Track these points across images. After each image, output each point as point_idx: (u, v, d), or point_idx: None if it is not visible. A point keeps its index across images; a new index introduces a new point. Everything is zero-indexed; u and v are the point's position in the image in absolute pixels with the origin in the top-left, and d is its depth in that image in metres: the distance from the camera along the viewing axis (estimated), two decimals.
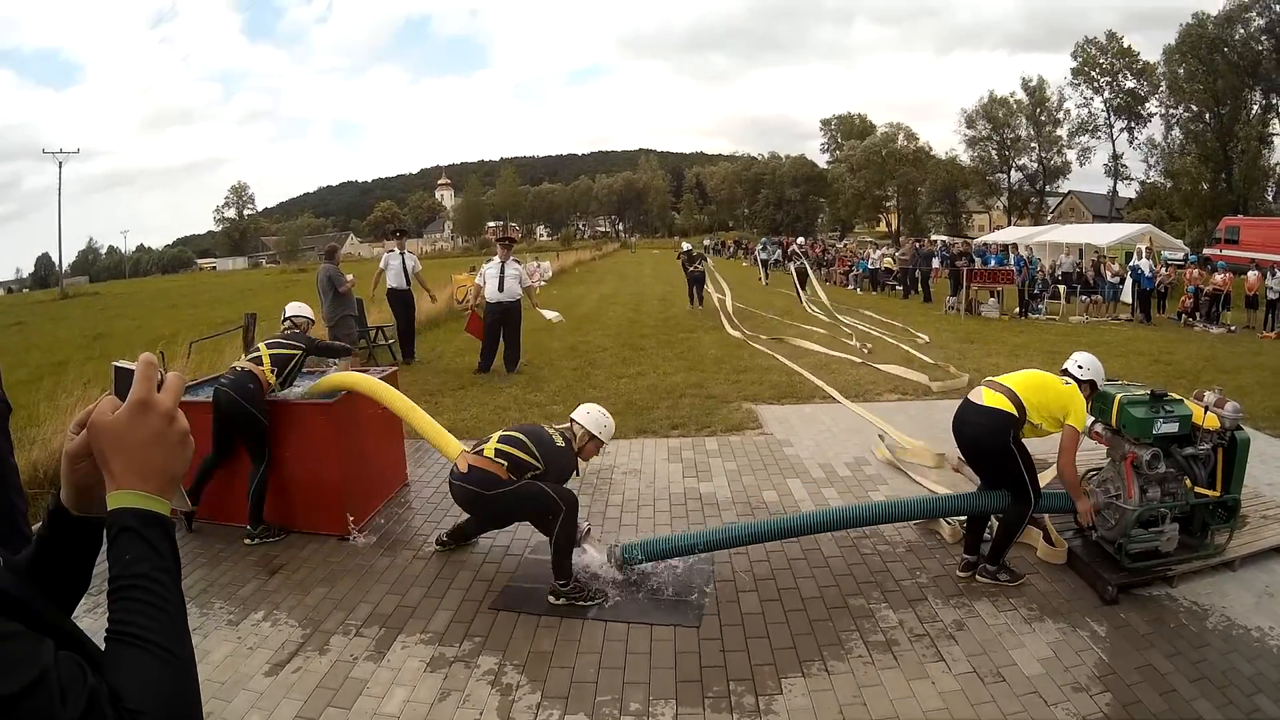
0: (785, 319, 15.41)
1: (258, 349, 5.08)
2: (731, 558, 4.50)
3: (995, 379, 4.26)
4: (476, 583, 4.31)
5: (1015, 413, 4.01)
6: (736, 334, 13.14)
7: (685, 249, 18.94)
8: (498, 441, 4.17)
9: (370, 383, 5.11)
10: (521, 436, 4.18)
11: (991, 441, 4.06)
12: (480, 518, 4.41)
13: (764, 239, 38.94)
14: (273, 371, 4.98)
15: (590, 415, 4.39)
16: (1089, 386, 4.24)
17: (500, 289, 9.85)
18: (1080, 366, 4.27)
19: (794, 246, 26.94)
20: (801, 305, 17.73)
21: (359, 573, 4.49)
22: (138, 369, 0.93)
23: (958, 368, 9.81)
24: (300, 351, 5.23)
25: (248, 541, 4.87)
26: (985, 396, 4.14)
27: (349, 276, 9.96)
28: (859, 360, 10.55)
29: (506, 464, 4.06)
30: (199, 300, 31.49)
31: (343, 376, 5.26)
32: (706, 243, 51.48)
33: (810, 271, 20.56)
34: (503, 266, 9.93)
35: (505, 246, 10.24)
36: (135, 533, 0.89)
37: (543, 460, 4.11)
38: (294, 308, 5.74)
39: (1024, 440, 4.10)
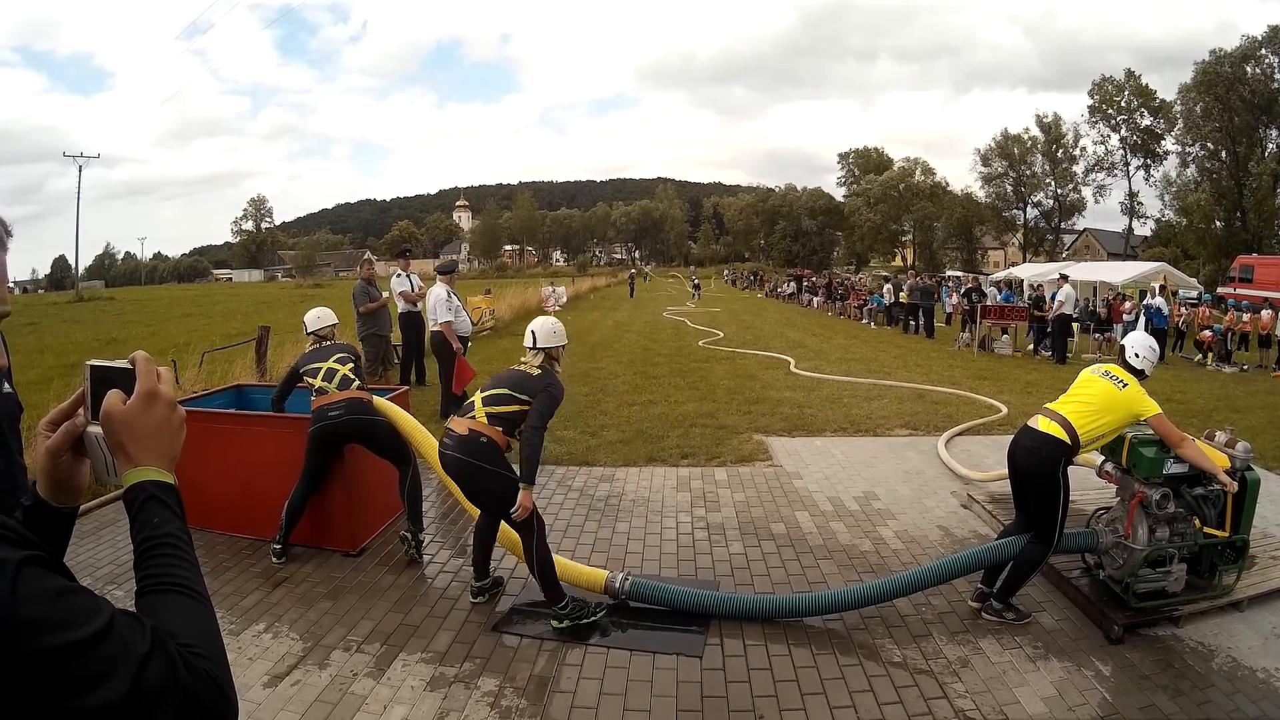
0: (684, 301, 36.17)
1: (334, 369, 4.91)
2: (735, 589, 4.50)
3: (1050, 406, 4.22)
4: (480, 604, 4.31)
5: (1068, 440, 3.99)
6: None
7: (632, 271, 52.54)
8: (483, 405, 4.01)
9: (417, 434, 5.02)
10: (503, 390, 4.01)
11: (1042, 468, 4.02)
12: (474, 497, 4.21)
13: (692, 272, 60.92)
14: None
15: (545, 330, 4.22)
16: (1139, 376, 4.16)
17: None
18: (1137, 355, 4.22)
19: (694, 277, 51.95)
20: (694, 298, 39.67)
21: (362, 589, 4.50)
22: (139, 366, 1.06)
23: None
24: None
25: (407, 540, 4.86)
26: (1040, 423, 4.12)
27: (384, 294, 10.12)
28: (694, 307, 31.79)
29: (502, 428, 3.95)
30: (213, 311, 31.76)
31: (393, 409, 5.07)
32: (726, 274, 58.31)
33: (696, 287, 44.70)
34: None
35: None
36: (159, 500, 1.02)
37: (533, 396, 3.96)
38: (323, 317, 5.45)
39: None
